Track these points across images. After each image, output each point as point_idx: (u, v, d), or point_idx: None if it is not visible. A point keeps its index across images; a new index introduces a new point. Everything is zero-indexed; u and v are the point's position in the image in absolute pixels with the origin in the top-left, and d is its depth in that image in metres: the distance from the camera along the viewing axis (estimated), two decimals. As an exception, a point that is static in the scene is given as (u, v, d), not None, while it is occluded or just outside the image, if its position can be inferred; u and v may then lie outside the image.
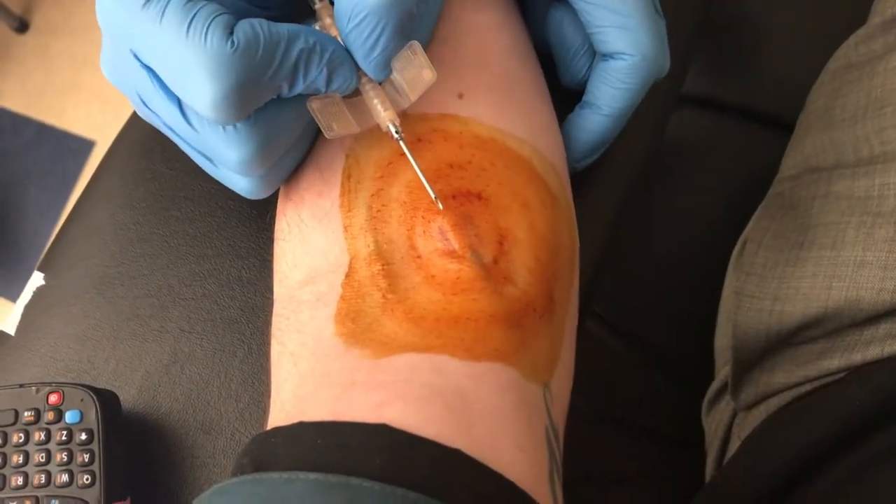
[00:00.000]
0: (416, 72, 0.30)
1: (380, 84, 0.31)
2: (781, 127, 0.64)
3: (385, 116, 0.31)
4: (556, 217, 0.33)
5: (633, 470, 0.63)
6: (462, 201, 0.31)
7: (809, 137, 0.52)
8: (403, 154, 0.31)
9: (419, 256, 0.30)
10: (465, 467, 0.25)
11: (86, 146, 1.50)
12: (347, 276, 0.30)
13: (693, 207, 0.68)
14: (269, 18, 0.28)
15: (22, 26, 1.57)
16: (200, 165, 0.32)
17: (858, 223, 0.44)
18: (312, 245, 0.32)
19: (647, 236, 0.67)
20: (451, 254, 0.30)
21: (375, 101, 0.31)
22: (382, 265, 0.30)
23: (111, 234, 0.42)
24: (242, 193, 0.32)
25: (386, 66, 0.30)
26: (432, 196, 0.30)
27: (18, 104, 1.53)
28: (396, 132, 0.30)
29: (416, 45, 0.30)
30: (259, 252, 0.41)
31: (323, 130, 0.31)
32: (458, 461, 0.25)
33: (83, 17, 1.57)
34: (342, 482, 0.24)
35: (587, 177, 0.43)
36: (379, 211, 0.31)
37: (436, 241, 0.30)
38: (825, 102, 0.52)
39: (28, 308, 0.42)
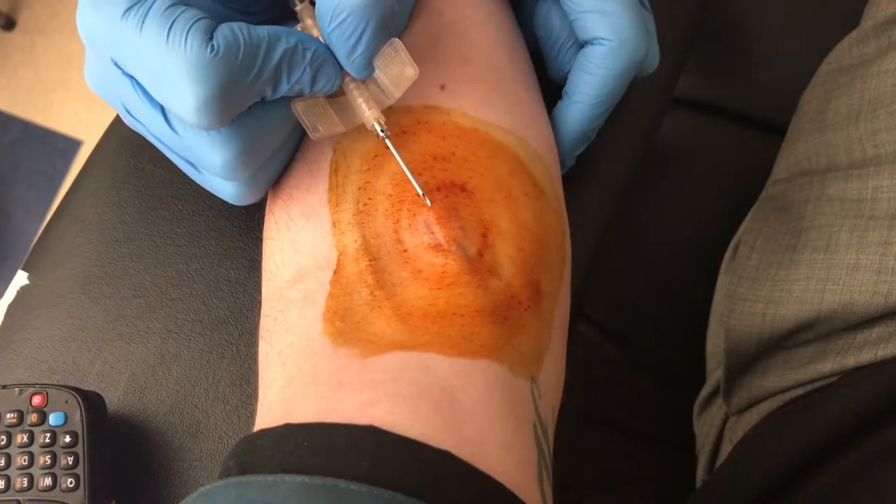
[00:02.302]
0: (398, 69, 0.31)
1: (363, 82, 0.31)
2: (774, 130, 0.64)
3: (370, 115, 0.31)
4: (541, 208, 0.33)
5: (623, 474, 0.63)
6: (447, 193, 0.31)
7: (802, 140, 0.52)
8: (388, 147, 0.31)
9: (406, 251, 0.30)
10: (453, 469, 0.25)
11: (73, 146, 1.49)
12: (335, 272, 0.30)
13: (685, 210, 0.68)
14: (253, 23, 0.27)
15: (8, 24, 1.55)
16: (186, 172, 0.32)
17: (852, 226, 0.44)
18: (301, 243, 0.32)
19: (638, 239, 0.67)
20: (436, 247, 0.30)
21: (359, 99, 0.31)
22: (370, 261, 0.30)
23: (98, 233, 0.42)
24: (228, 199, 0.32)
25: (368, 65, 0.30)
26: (419, 192, 0.30)
27: (4, 102, 1.52)
28: (382, 130, 0.31)
29: (397, 42, 0.30)
30: (248, 252, 0.41)
31: (308, 132, 0.31)
32: (446, 463, 0.25)
33: (70, 15, 1.56)
34: (328, 484, 0.23)
35: (579, 179, 0.43)
36: (366, 205, 0.31)
37: (422, 235, 0.30)
38: (818, 105, 0.52)
39: (11, 308, 0.42)
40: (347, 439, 0.25)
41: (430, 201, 0.30)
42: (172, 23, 0.25)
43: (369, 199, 0.31)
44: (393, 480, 0.24)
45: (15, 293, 0.42)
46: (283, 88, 0.28)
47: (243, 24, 0.27)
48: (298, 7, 0.31)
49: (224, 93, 0.26)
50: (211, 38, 0.26)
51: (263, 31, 0.27)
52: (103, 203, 0.42)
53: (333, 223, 0.31)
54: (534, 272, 0.32)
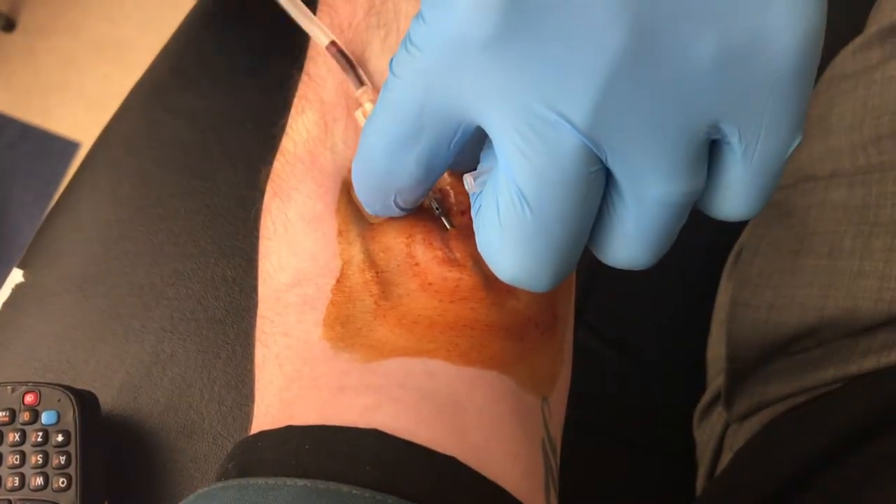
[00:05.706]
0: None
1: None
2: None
3: (428, 197, 0.31)
4: None
5: (621, 482, 0.63)
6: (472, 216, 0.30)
7: (806, 146, 0.52)
8: None
9: (417, 264, 0.30)
10: (459, 475, 0.25)
11: (71, 148, 1.48)
12: (338, 281, 0.30)
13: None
14: None
15: (8, 25, 1.55)
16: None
17: (856, 232, 0.44)
18: (300, 247, 0.31)
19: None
20: (451, 262, 0.29)
21: None
22: (376, 272, 0.29)
23: (94, 232, 0.41)
24: None
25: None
26: (447, 226, 0.30)
27: (3, 104, 1.51)
28: (437, 208, 0.30)
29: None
30: (245, 252, 0.40)
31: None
32: (452, 469, 0.25)
33: (71, 16, 1.56)
34: (331, 489, 0.23)
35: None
36: (379, 222, 0.30)
37: (436, 250, 0.30)
38: (821, 111, 0.51)
39: (6, 305, 0.41)
40: (350, 443, 0.25)
41: (453, 224, 0.30)
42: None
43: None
44: (397, 486, 0.23)
45: (10, 291, 0.41)
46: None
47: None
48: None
49: None
50: None
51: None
52: (100, 201, 0.42)
53: (340, 232, 0.30)
54: (553, 299, 0.31)
